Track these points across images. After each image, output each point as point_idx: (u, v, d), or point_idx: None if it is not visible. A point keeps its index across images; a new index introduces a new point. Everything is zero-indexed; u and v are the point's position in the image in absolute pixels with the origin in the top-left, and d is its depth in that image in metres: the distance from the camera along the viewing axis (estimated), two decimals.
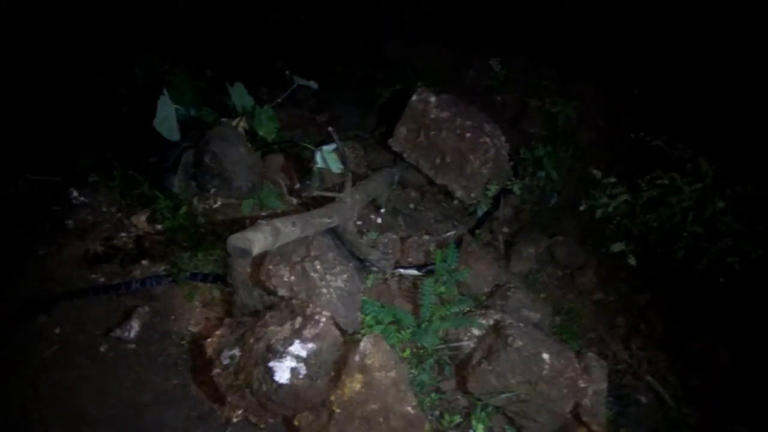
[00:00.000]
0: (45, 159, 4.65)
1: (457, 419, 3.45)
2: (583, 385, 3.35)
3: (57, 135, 4.79)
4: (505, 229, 4.88)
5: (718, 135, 4.45)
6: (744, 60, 4.66)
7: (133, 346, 3.66)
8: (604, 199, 4.67)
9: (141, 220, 4.28)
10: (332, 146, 4.12)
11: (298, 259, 3.55)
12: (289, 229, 3.18)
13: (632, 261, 4.42)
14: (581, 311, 4.27)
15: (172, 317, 3.85)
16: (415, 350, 3.69)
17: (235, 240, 2.84)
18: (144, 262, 4.07)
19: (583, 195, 4.82)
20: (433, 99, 4.97)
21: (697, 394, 3.82)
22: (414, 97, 5.02)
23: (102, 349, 3.62)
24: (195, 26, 5.68)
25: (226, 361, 3.28)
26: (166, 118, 4.07)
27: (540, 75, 5.45)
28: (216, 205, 4.28)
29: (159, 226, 4.25)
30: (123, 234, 4.25)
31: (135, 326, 3.69)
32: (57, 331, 3.69)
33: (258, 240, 2.87)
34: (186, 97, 4.32)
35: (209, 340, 3.48)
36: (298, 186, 4.77)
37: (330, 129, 3.66)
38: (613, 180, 4.69)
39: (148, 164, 4.39)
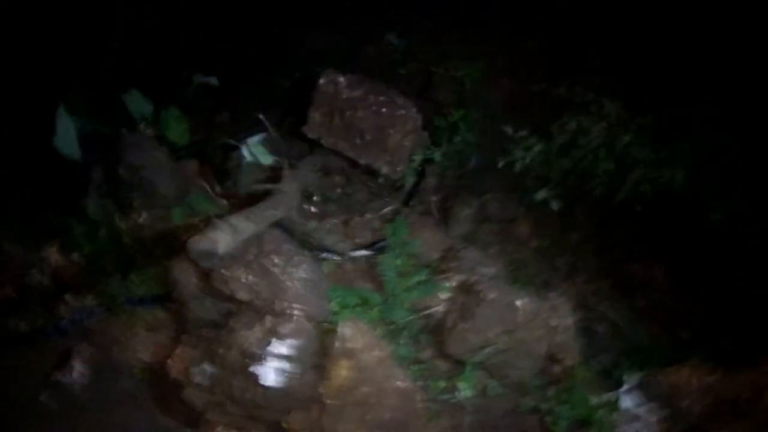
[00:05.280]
0: None
1: (442, 384, 3.45)
2: (554, 323, 3.49)
3: None
4: (435, 197, 4.93)
5: (617, 73, 4.76)
6: None
7: (78, 388, 3.27)
8: (519, 153, 4.83)
9: (52, 252, 3.81)
10: (257, 137, 3.91)
11: (252, 257, 3.33)
12: (244, 224, 2.98)
13: (554, 206, 4.62)
14: (525, 260, 4.43)
15: (116, 349, 3.48)
16: (386, 327, 3.63)
17: (197, 243, 2.61)
18: (67, 296, 3.64)
19: (501, 152, 4.97)
20: (341, 79, 4.86)
21: (644, 313, 4.11)
22: (322, 80, 4.86)
23: (43, 398, 3.21)
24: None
25: (197, 379, 3.03)
26: (66, 133, 3.63)
27: (442, 42, 5.52)
28: (140, 220, 3.89)
29: (75, 255, 3.81)
30: (34, 271, 3.76)
31: (77, 366, 3.30)
32: None
33: (221, 239, 2.67)
34: (83, 108, 3.87)
35: (169, 361, 3.20)
36: (218, 189, 4.48)
37: (261, 116, 3.47)
38: (524, 133, 4.87)
39: (51, 191, 3.90)
